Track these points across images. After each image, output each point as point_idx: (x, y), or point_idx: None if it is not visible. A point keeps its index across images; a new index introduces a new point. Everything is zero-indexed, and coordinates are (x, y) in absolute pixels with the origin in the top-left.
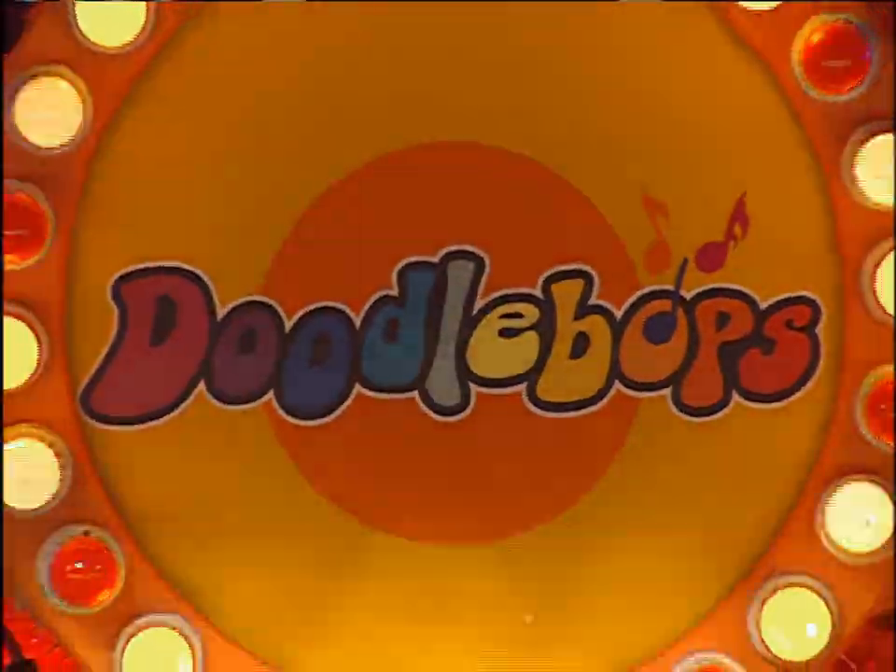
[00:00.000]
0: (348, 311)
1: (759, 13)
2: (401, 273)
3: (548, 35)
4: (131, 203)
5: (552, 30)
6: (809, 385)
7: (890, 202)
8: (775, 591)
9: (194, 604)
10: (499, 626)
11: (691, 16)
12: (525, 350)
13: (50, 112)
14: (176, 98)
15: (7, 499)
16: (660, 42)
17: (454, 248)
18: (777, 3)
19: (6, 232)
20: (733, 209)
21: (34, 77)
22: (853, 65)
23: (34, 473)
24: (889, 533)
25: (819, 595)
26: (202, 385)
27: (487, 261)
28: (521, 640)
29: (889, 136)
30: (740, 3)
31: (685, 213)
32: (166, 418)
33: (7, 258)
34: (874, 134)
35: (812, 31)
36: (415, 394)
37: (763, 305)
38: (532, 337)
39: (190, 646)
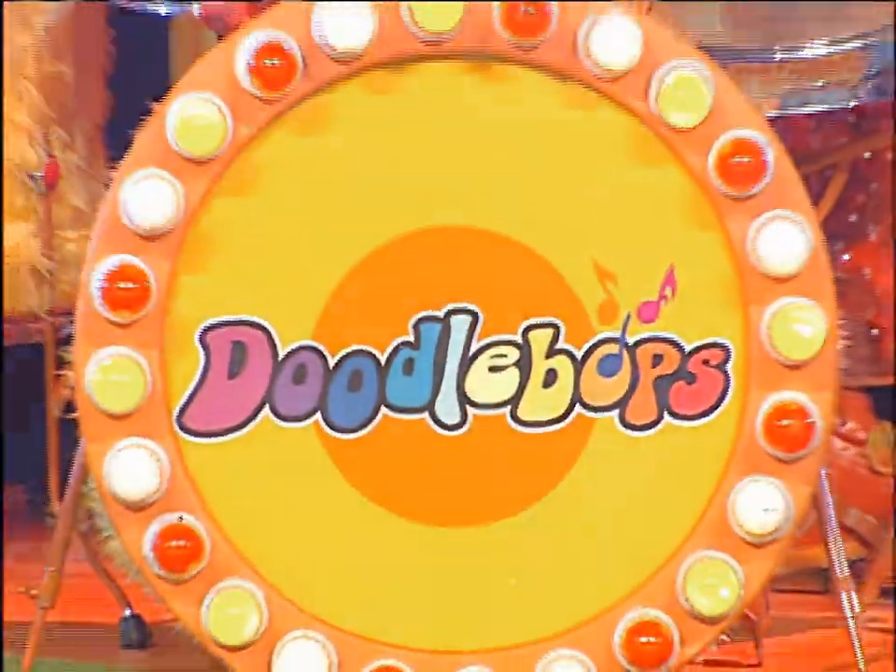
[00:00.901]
0: (376, 353)
1: (684, 129)
2: (416, 325)
3: (517, 142)
4: (214, 269)
5: (520, 137)
6: (722, 408)
7: (779, 270)
8: (696, 564)
9: (260, 572)
10: (488, 585)
11: (629, 128)
12: (508, 382)
13: (153, 201)
14: (253, 186)
15: (122, 494)
16: (603, 146)
17: (455, 306)
18: (699, 121)
19: (125, 292)
20: (664, 276)
21: (140, 174)
22: (754, 167)
23: (142, 474)
24: (781, 519)
25: (730, 566)
26: (266, 409)
27: (480, 315)
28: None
29: (782, 223)
30: (669, 121)
31: (628, 279)
32: (240, 433)
33: (124, 312)
34: (771, 220)
35: (725, 142)
36: (426, 414)
37: (687, 348)
38: (514, 372)
39: (257, 603)
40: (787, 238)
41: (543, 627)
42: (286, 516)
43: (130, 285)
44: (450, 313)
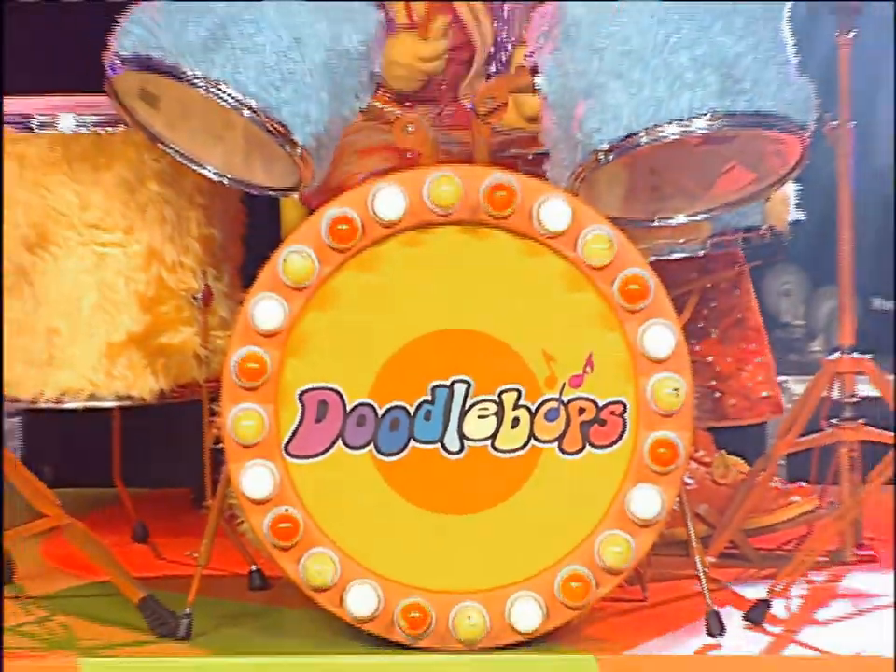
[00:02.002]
0: (408, 406)
1: (598, 268)
2: (432, 389)
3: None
4: (306, 355)
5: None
6: (622, 441)
7: (657, 355)
8: (606, 537)
9: (335, 542)
10: (478, 551)
11: (565, 268)
12: (489, 425)
13: (269, 312)
14: (331, 303)
15: (250, 494)
16: (548, 279)
17: (456, 377)
18: (608, 263)
19: (251, 369)
20: (586, 359)
21: (261, 295)
22: (642, 292)
23: (262, 483)
24: (658, 510)
25: (626, 539)
26: (339, 442)
27: (472, 383)
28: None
29: (659, 327)
30: (589, 263)
31: (563, 361)
32: (323, 456)
33: (250, 381)
34: (652, 325)
35: (624, 276)
36: (438, 445)
37: (601, 404)
38: (493, 419)
39: (333, 562)
40: (662, 336)
41: (511, 577)
42: (351, 508)
43: (254, 365)
44: (454, 382)
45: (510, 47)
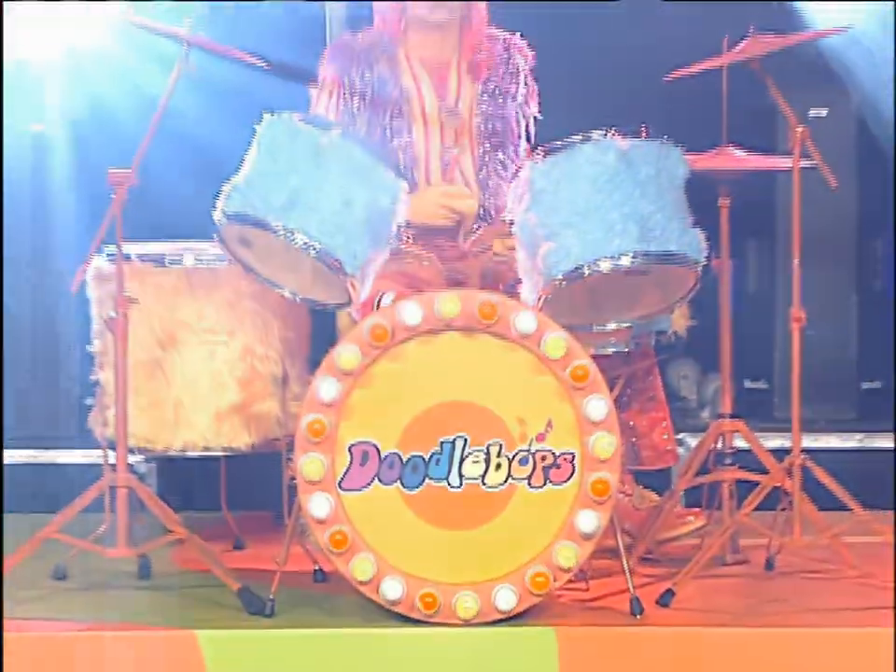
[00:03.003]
0: (423, 455)
1: (556, 360)
2: (441, 443)
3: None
4: (354, 419)
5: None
6: (572, 479)
7: (596, 419)
8: (560, 546)
9: (374, 549)
10: (473, 555)
11: (532, 360)
12: (480, 468)
13: (327, 390)
14: (371, 384)
15: (315, 516)
16: (522, 428)
17: (458, 434)
18: (562, 356)
19: (315, 429)
20: (546, 423)
21: (322, 378)
22: (585, 375)
23: (323, 508)
24: (596, 527)
25: (574, 547)
26: (376, 480)
27: (469, 438)
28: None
29: (597, 399)
30: (549, 356)
31: (531, 424)
32: (365, 490)
33: (315, 438)
34: (594, 398)
35: (574, 365)
36: (445, 482)
37: (557, 453)
38: (483, 464)
39: (372, 563)
40: (599, 407)
41: (496, 573)
42: (384, 525)
43: (318, 426)
44: (455, 438)
45: (492, 211)
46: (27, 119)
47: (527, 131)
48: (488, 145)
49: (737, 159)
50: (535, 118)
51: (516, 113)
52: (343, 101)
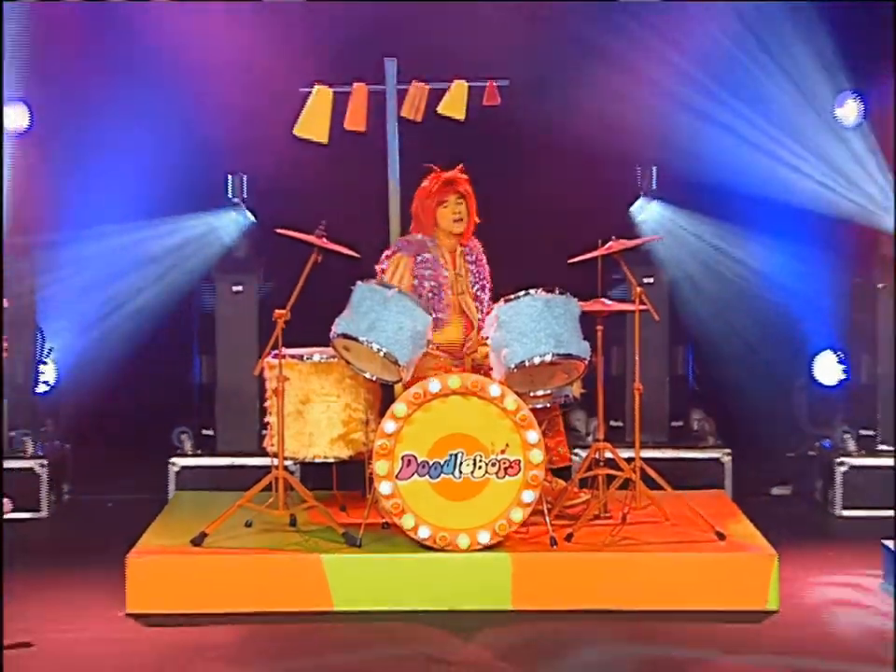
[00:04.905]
0: (440, 461)
1: (511, 411)
2: (449, 454)
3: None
4: (403, 441)
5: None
6: (519, 475)
7: (532, 442)
8: (511, 513)
9: (417, 514)
10: (470, 512)
11: (505, 419)
12: (470, 468)
13: (388, 425)
14: (412, 424)
15: (383, 493)
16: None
17: (458, 450)
18: (514, 407)
19: (384, 445)
20: (506, 444)
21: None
22: (527, 418)
23: (387, 489)
24: (533, 499)
25: (521, 512)
26: (415, 474)
27: (464, 452)
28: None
29: (534, 433)
30: (506, 409)
31: (498, 444)
32: (409, 480)
33: (384, 453)
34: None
35: (522, 412)
36: (452, 476)
37: (511, 460)
38: (471, 466)
39: (414, 519)
40: (533, 435)
41: (478, 523)
42: (420, 498)
43: (384, 446)
44: (456, 452)
45: (478, 330)
46: None
47: (490, 284)
48: (477, 292)
49: (606, 304)
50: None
51: (485, 272)
52: (401, 272)
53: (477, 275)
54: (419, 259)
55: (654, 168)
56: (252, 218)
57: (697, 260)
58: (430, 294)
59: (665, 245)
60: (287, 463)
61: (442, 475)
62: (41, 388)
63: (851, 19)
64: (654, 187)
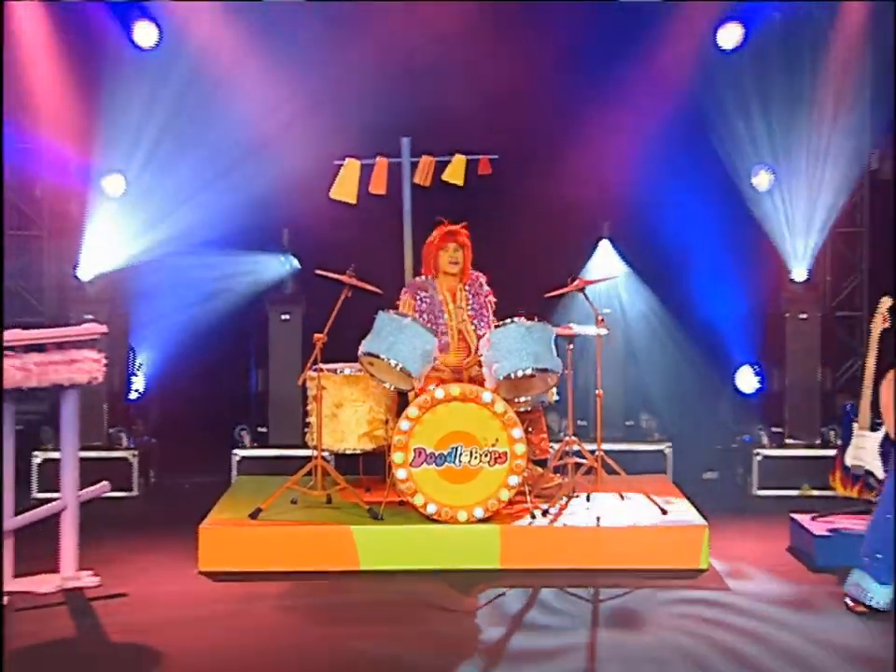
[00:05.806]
0: (444, 452)
1: (499, 414)
2: (451, 447)
3: None
4: (417, 436)
5: None
6: (506, 463)
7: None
8: (499, 493)
9: (425, 493)
10: (469, 493)
11: (496, 420)
12: (468, 458)
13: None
14: (420, 423)
15: (399, 477)
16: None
17: (458, 444)
18: (501, 410)
19: (400, 442)
20: (496, 439)
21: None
22: (512, 419)
23: (403, 474)
24: (518, 482)
25: (507, 492)
26: (425, 463)
27: (462, 446)
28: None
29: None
30: (496, 412)
31: (489, 440)
32: (420, 468)
33: (398, 445)
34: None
35: (508, 414)
36: (453, 464)
37: (500, 451)
38: (469, 456)
39: (423, 497)
40: (518, 432)
41: (475, 501)
42: (428, 481)
43: (400, 440)
44: (457, 446)
45: (475, 350)
46: None
47: (489, 312)
48: (475, 320)
49: (573, 329)
50: (490, 305)
51: (484, 303)
52: (406, 308)
53: (475, 303)
54: (419, 296)
55: (606, 223)
56: (297, 262)
57: (644, 296)
58: (428, 324)
59: (620, 282)
60: (325, 454)
61: (446, 464)
62: (133, 395)
63: None
64: (608, 236)
